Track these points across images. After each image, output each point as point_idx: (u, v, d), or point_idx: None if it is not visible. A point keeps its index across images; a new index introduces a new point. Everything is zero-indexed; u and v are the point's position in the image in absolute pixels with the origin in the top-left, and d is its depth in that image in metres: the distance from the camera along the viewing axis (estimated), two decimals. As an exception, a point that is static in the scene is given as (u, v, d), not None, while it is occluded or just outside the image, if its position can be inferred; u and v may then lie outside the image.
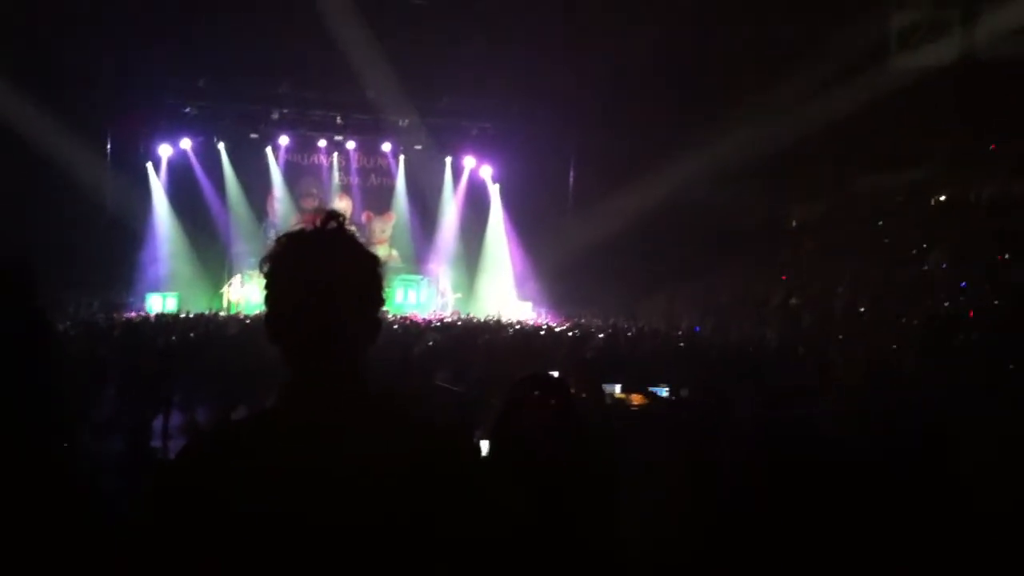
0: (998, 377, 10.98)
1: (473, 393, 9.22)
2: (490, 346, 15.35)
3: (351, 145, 27.31)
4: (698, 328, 21.20)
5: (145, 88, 23.58)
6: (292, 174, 27.41)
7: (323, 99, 25.83)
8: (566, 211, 28.12)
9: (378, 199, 28.29)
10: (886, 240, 21.53)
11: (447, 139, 27.62)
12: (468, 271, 28.60)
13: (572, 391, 2.47)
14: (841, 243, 22.71)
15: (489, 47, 22.82)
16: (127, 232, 23.81)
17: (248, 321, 18.72)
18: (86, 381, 11.27)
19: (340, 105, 26.00)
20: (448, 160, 28.06)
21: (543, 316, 25.61)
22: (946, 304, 17.20)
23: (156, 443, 9.60)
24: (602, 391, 8.98)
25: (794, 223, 26.09)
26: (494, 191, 28.46)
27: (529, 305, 26.81)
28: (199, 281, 25.46)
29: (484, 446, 2.35)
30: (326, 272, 1.58)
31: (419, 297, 27.12)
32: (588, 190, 26.98)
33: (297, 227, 1.65)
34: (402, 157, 27.72)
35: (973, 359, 12.63)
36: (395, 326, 18.73)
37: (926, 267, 19.11)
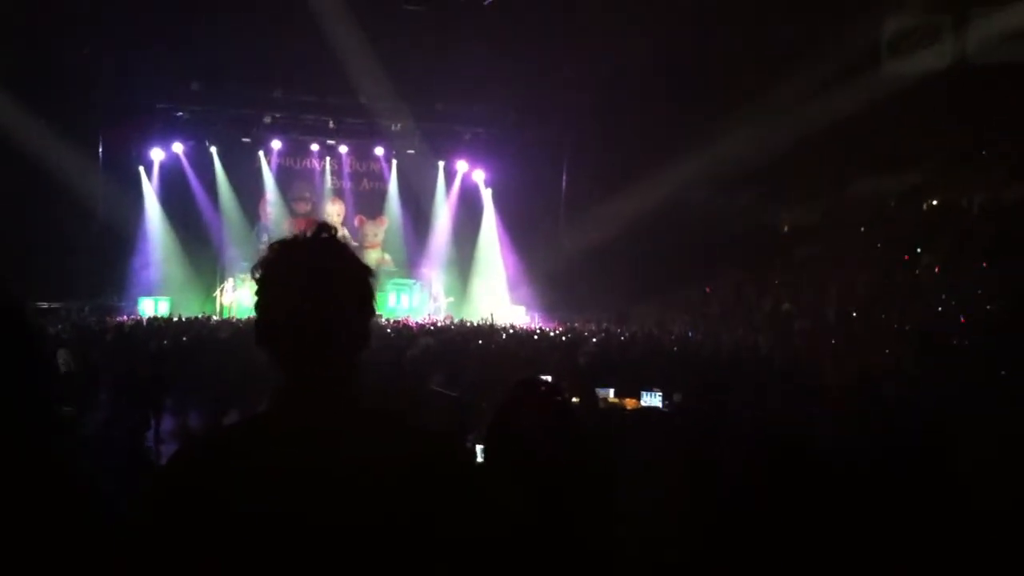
0: (993, 380, 11.02)
1: (467, 397, 9.21)
2: (483, 351, 15.36)
3: (344, 149, 27.32)
4: (691, 333, 21.24)
5: (137, 91, 23.54)
6: (284, 178, 27.39)
7: (316, 103, 25.83)
8: (559, 216, 28.17)
9: (371, 203, 28.29)
10: (879, 245, 21.60)
11: (440, 143, 27.65)
12: (461, 275, 28.60)
13: (566, 395, 2.47)
14: (834, 248, 22.78)
15: (483, 52, 22.85)
16: (119, 236, 23.76)
17: (241, 325, 18.68)
18: (78, 385, 11.25)
19: (333, 109, 26.00)
20: (441, 164, 28.08)
21: (536, 321, 25.63)
22: (939, 309, 17.27)
23: (148, 447, 9.56)
24: (595, 395, 9.01)
25: (786, 228, 26.17)
26: (487, 195, 28.49)
27: (522, 310, 26.84)
28: (191, 285, 25.42)
29: (479, 450, 2.34)
30: (318, 279, 1.58)
31: (412, 301, 27.11)
32: (581, 195, 27.05)
33: (290, 234, 1.65)
34: (395, 161, 27.72)
35: (969, 362, 12.69)
36: (388, 330, 18.72)
37: (919, 272, 19.18)
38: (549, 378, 8.28)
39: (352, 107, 25.53)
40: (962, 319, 16.16)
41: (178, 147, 25.45)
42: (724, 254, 24.49)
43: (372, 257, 27.08)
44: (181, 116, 25.38)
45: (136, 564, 1.45)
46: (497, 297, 27.54)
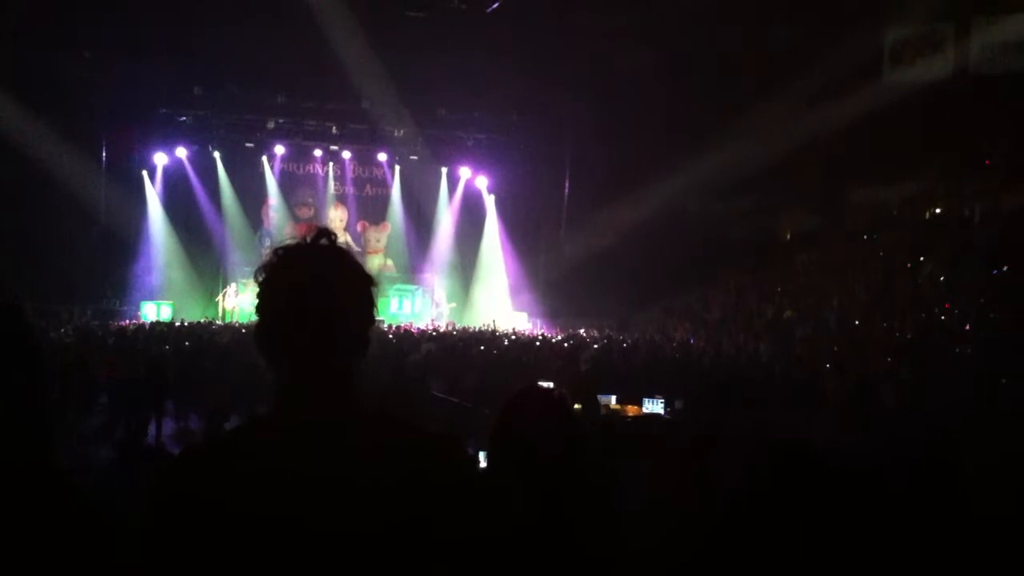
0: (994, 387, 11.01)
1: (468, 403, 9.22)
2: (485, 357, 15.36)
3: (347, 155, 27.34)
4: (692, 340, 21.23)
5: (141, 96, 23.56)
6: (287, 183, 27.41)
7: (319, 109, 25.88)
8: (561, 222, 28.18)
9: (373, 209, 28.31)
10: (881, 252, 21.58)
11: (443, 150, 27.68)
12: (463, 281, 28.60)
13: (569, 402, 2.48)
14: (835, 256, 22.76)
15: (485, 59, 22.89)
16: (121, 240, 23.79)
17: (243, 330, 18.69)
18: (80, 388, 11.26)
19: (336, 115, 26.05)
20: (444, 171, 28.10)
21: (538, 327, 25.61)
22: (941, 317, 17.25)
23: (148, 450, 9.54)
24: (597, 402, 9.00)
25: (788, 235, 26.16)
26: (489, 202, 28.50)
27: (524, 316, 26.82)
28: (194, 290, 25.44)
29: (481, 457, 2.35)
30: (319, 284, 1.59)
31: (414, 307, 27.11)
32: (583, 202, 27.07)
33: (291, 240, 1.65)
34: (397, 167, 27.74)
35: (970, 370, 12.68)
36: (390, 336, 18.73)
37: (920, 279, 19.16)
38: (551, 385, 8.29)
39: (355, 113, 25.58)
40: (965, 327, 16.15)
41: (181, 152, 25.47)
42: (726, 261, 24.48)
43: (374, 263, 27.11)
44: (184, 121, 25.42)
45: (138, 568, 1.46)
46: (499, 303, 27.53)
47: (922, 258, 19.86)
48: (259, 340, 1.61)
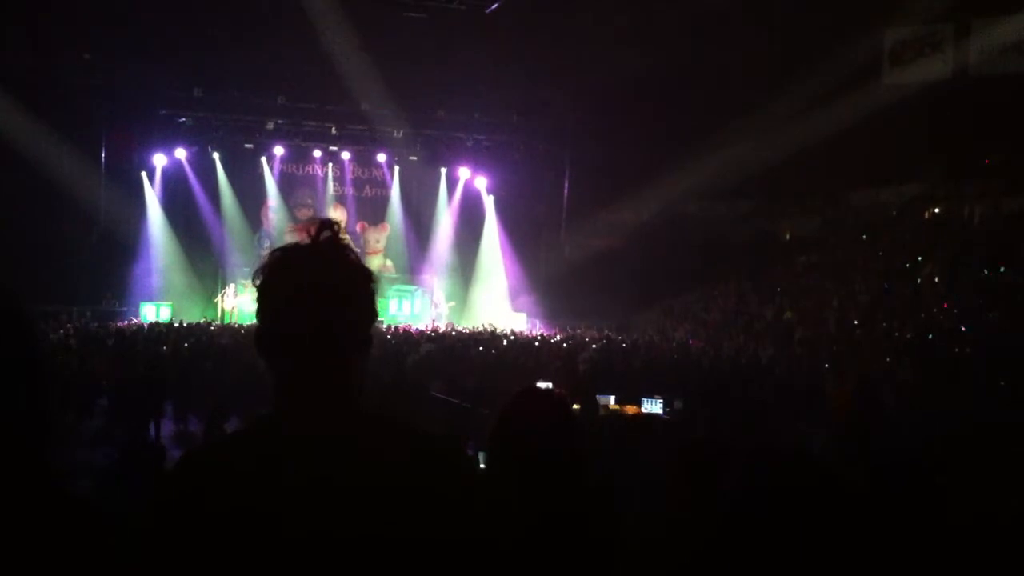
0: (992, 389, 11.02)
1: (468, 404, 9.21)
2: (484, 357, 15.36)
3: (346, 156, 27.34)
4: (692, 341, 21.23)
5: (140, 97, 23.56)
6: (287, 184, 27.41)
7: (318, 110, 25.86)
8: (560, 223, 28.19)
9: (373, 210, 28.31)
10: (880, 254, 21.59)
11: (442, 151, 27.69)
12: (462, 282, 28.60)
13: (568, 403, 2.48)
14: (834, 258, 22.78)
15: (484, 60, 22.91)
16: (121, 241, 23.77)
17: (242, 331, 18.68)
18: (80, 390, 11.25)
19: (335, 116, 26.03)
20: (443, 171, 28.10)
21: (537, 328, 25.61)
22: (940, 318, 17.25)
23: (148, 452, 9.53)
24: (596, 402, 9.00)
25: (788, 237, 26.18)
26: (489, 202, 28.50)
27: (523, 316, 26.82)
28: (193, 291, 25.43)
29: (481, 457, 2.35)
30: (319, 286, 1.58)
31: (413, 308, 27.11)
32: (582, 203, 27.09)
33: (291, 240, 1.64)
34: (397, 168, 27.74)
35: (968, 371, 12.69)
36: (389, 336, 18.72)
37: (920, 281, 19.18)
38: (550, 385, 8.29)
39: (354, 114, 25.57)
40: (963, 328, 16.16)
41: (181, 153, 25.45)
42: (725, 262, 24.49)
43: (374, 263, 27.09)
44: (184, 122, 25.40)
45: (139, 571, 1.45)
46: (498, 304, 27.53)
47: (921, 259, 19.88)
48: (259, 341, 1.61)
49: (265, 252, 1.67)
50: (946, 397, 10.35)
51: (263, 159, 26.64)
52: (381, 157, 27.51)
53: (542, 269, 27.78)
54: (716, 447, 2.77)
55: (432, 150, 27.44)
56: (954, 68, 22.19)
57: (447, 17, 21.88)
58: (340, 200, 27.92)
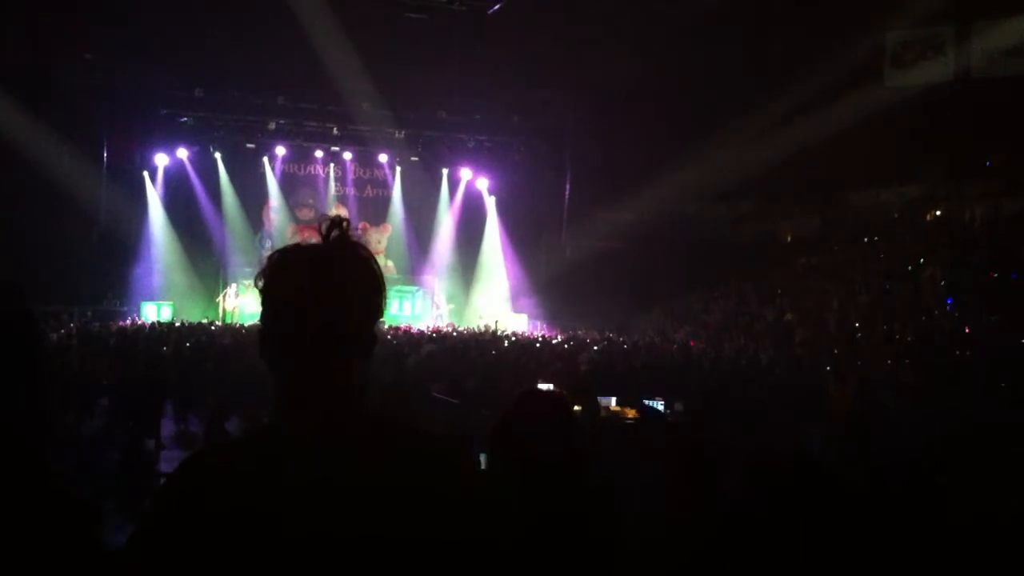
0: (994, 390, 11.01)
1: (468, 405, 9.22)
2: (485, 358, 15.36)
3: (348, 156, 27.36)
4: (692, 342, 21.22)
5: (141, 97, 23.57)
6: (288, 184, 27.42)
7: (320, 110, 25.87)
8: (561, 224, 28.19)
9: (374, 210, 28.31)
10: (881, 255, 21.58)
11: (443, 151, 27.70)
12: (463, 283, 28.60)
13: (569, 404, 2.48)
14: (835, 258, 22.77)
15: (485, 61, 22.91)
16: (122, 241, 23.79)
17: (243, 331, 18.68)
18: (81, 390, 11.25)
19: (337, 116, 26.03)
20: (444, 172, 28.11)
21: (538, 329, 25.61)
22: (941, 320, 17.24)
23: (148, 453, 9.55)
24: (597, 404, 9.00)
25: (788, 238, 26.18)
26: (490, 203, 28.50)
27: (524, 317, 26.82)
28: (194, 290, 25.43)
29: (482, 458, 2.36)
30: (321, 287, 1.57)
31: (414, 308, 27.12)
32: (583, 204, 27.08)
33: (298, 239, 1.64)
34: (398, 168, 27.75)
35: (970, 373, 12.68)
36: (390, 337, 18.73)
37: (920, 282, 19.16)
38: (551, 386, 8.29)
39: (356, 114, 25.57)
40: (965, 330, 16.15)
41: (182, 153, 25.45)
42: (726, 263, 24.48)
43: (375, 265, 27.09)
44: (185, 122, 25.39)
45: (140, 572, 1.45)
46: (499, 305, 27.54)
47: (922, 261, 19.86)
48: (261, 343, 1.61)
49: (266, 252, 1.68)
50: (946, 398, 10.35)
51: (265, 159, 26.65)
52: (383, 157, 27.52)
53: (543, 270, 27.79)
54: (716, 447, 2.78)
55: (433, 151, 27.46)
56: (955, 71, 22.19)
57: (448, 18, 21.86)
58: (342, 200, 27.92)
